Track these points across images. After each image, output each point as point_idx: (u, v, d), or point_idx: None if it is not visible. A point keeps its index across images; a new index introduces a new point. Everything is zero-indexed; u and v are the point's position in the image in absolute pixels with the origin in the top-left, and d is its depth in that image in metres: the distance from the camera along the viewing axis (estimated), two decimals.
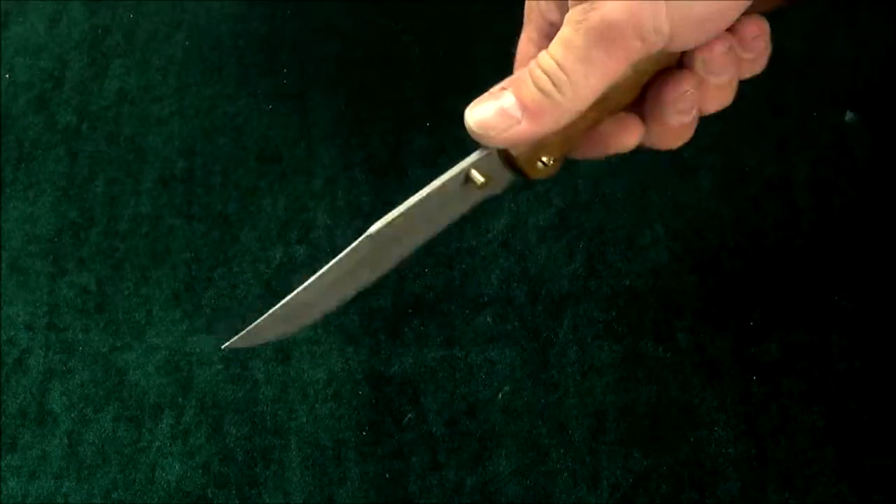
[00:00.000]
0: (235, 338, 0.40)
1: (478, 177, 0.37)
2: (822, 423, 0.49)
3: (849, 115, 0.54)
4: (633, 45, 0.33)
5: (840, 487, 0.48)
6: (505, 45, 0.58)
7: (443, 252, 0.54)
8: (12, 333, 0.53)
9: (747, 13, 0.35)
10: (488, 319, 0.52)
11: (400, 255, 0.39)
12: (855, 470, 0.48)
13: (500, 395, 0.51)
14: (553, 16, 0.38)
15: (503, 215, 0.55)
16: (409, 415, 0.51)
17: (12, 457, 0.51)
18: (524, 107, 0.35)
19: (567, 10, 0.34)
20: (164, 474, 0.50)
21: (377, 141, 0.57)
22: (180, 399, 0.52)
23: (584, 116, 0.36)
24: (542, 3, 0.39)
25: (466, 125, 0.36)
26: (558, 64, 0.34)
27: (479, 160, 0.37)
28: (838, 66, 0.57)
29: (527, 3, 0.40)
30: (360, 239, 0.38)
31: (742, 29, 0.36)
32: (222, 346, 0.41)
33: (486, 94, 0.35)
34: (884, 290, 0.52)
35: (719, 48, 0.35)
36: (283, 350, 0.52)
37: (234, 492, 0.50)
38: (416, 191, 0.37)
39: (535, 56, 0.35)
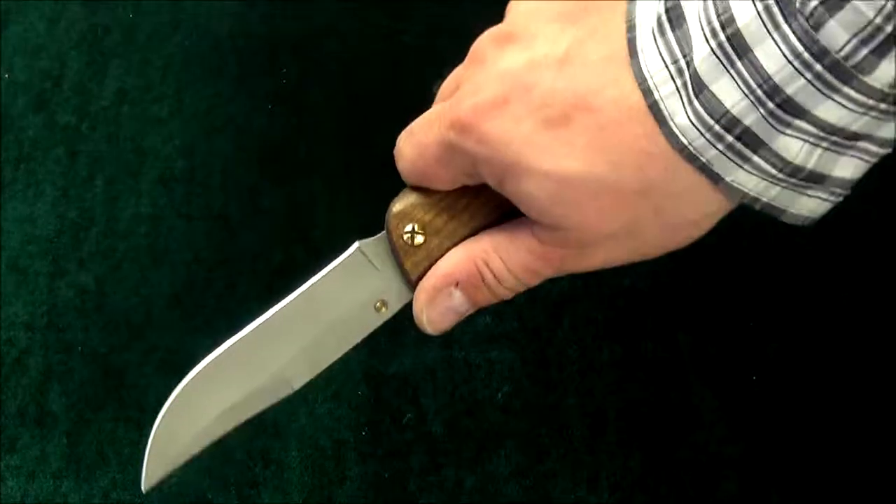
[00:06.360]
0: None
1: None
2: (821, 423, 0.49)
3: None
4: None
5: (840, 487, 0.48)
6: None
7: None
8: (12, 333, 0.53)
9: None
10: (487, 319, 0.52)
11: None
12: (855, 470, 0.48)
13: (499, 395, 0.51)
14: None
15: None
16: (409, 415, 0.51)
17: (11, 457, 0.51)
18: (476, 304, 0.35)
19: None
20: None
21: (377, 141, 0.57)
22: None
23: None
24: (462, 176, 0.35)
25: (418, 322, 0.34)
26: (516, 277, 0.35)
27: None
28: None
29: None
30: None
31: None
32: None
33: (433, 291, 0.34)
34: (884, 290, 0.52)
35: None
36: None
37: (233, 492, 0.50)
38: None
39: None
